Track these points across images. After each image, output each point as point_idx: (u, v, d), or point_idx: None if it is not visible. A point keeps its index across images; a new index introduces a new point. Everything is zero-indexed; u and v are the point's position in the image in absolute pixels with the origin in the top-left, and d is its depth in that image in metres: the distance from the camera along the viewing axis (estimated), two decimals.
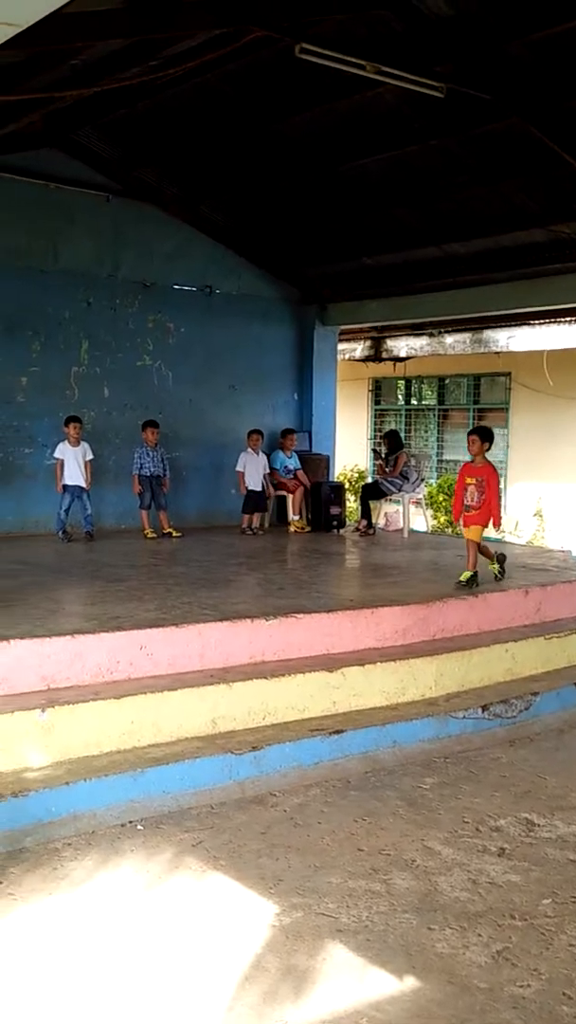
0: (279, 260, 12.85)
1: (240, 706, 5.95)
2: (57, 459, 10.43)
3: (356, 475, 18.20)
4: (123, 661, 6.00)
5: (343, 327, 14.22)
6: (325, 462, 13.34)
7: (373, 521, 12.29)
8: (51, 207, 10.98)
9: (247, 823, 4.96)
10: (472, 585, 7.98)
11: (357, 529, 12.07)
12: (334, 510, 12.26)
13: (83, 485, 10.46)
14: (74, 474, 10.41)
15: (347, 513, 13.04)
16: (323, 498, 12.24)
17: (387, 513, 12.94)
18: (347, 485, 14.97)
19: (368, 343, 17.62)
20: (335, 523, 12.26)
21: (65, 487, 10.41)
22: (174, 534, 10.95)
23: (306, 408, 13.51)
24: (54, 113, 9.24)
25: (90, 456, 10.55)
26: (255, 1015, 3.31)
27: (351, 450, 17.98)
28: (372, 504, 12.31)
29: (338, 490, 12.57)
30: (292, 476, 12.24)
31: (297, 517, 12.11)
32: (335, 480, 13.58)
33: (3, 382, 10.80)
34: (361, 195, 10.50)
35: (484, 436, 8.33)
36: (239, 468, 11.68)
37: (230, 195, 11.51)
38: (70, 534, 10.48)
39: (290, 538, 11.65)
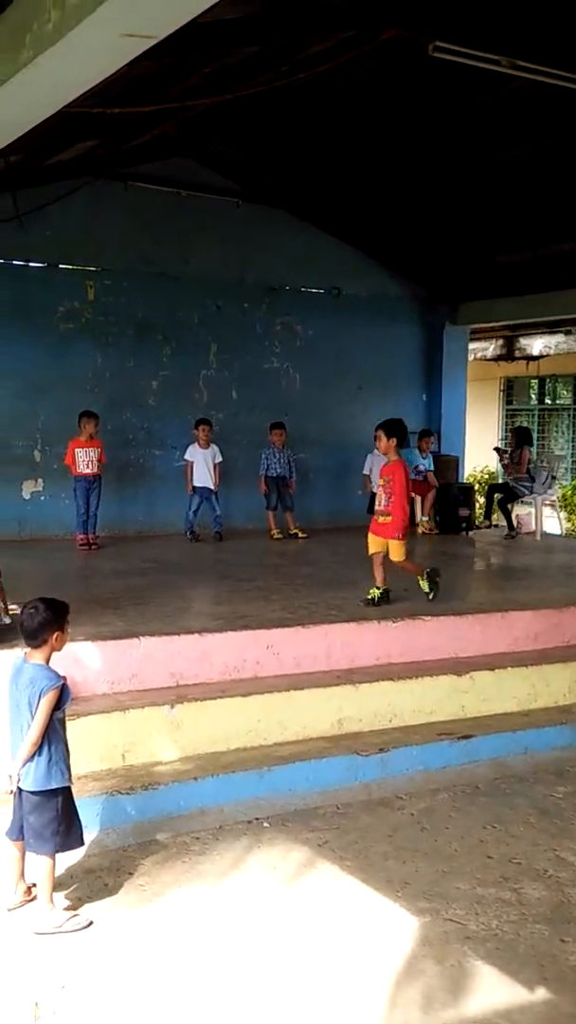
0: (408, 260, 12.73)
1: (366, 707, 5.91)
2: (187, 461, 10.63)
3: (486, 476, 17.88)
4: (250, 660, 6.05)
5: (474, 326, 13.99)
6: (454, 463, 13.14)
7: (499, 522, 12.06)
8: (182, 214, 11.19)
9: (373, 825, 4.92)
10: (381, 603, 6.96)
11: (509, 535, 11.82)
12: (463, 512, 12.07)
13: (211, 487, 10.62)
14: (203, 476, 10.58)
15: (475, 515, 12.83)
16: (452, 500, 12.07)
17: (519, 515, 12.66)
18: (476, 487, 14.71)
19: (500, 342, 17.28)
20: (463, 525, 12.07)
21: (195, 488, 10.59)
22: (300, 535, 10.99)
23: (435, 409, 13.34)
24: (186, 121, 9.41)
25: (219, 459, 10.70)
26: (380, 1018, 3.27)
27: (481, 451, 17.66)
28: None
29: (467, 492, 12.37)
30: (422, 477, 12.11)
31: (426, 518, 11.97)
32: (464, 482, 13.37)
33: (134, 386, 11.08)
34: (492, 192, 10.28)
35: (390, 431, 7.12)
36: (365, 471, 11.64)
37: (358, 196, 11.46)
38: (197, 535, 10.65)
39: (418, 540, 11.52)
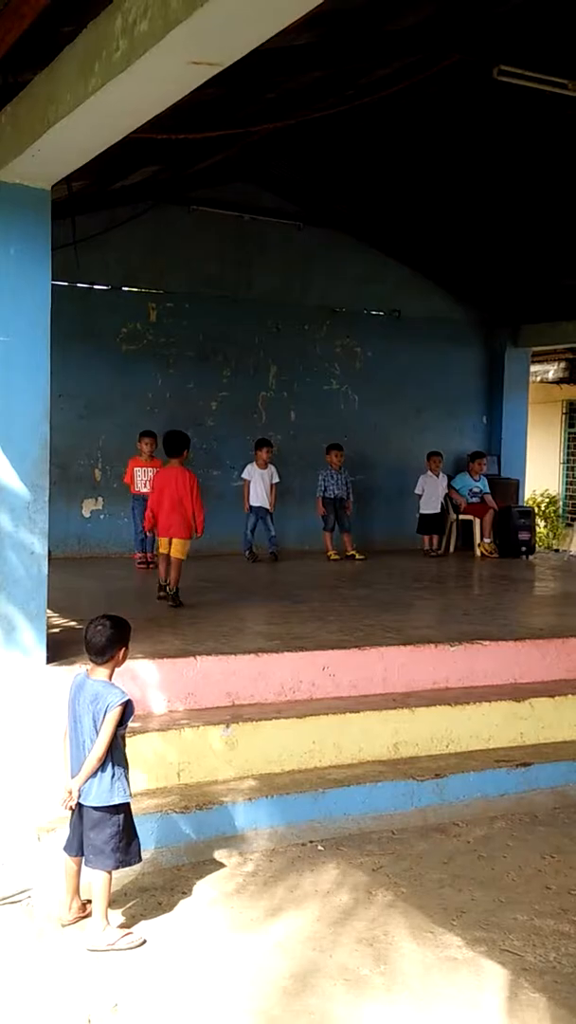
0: (469, 282, 12.69)
1: (422, 732, 5.85)
2: (244, 480, 10.69)
3: (547, 500, 17.66)
4: (305, 681, 6.03)
5: (536, 349, 13.87)
6: (515, 486, 13.01)
7: (566, 547, 11.91)
8: (244, 237, 11.31)
9: (429, 851, 4.86)
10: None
11: None
12: (523, 535, 11.95)
13: (268, 507, 10.65)
14: (260, 495, 10.63)
15: (535, 538, 12.66)
16: (512, 523, 11.95)
17: None
18: (537, 510, 14.54)
19: (563, 364, 17.07)
20: (524, 548, 11.93)
21: (251, 507, 10.64)
22: (357, 556, 10.95)
23: (495, 431, 13.24)
24: (249, 145, 9.51)
25: (276, 479, 10.74)
26: None
27: (542, 474, 17.48)
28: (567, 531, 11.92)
29: (528, 515, 12.24)
30: (479, 500, 12.00)
31: (487, 540, 11.84)
32: (525, 505, 13.22)
33: (195, 407, 11.18)
34: (556, 214, 10.22)
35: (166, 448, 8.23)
36: (417, 491, 11.63)
37: (420, 219, 11.47)
38: (256, 554, 10.68)
39: (476, 563, 11.42)
